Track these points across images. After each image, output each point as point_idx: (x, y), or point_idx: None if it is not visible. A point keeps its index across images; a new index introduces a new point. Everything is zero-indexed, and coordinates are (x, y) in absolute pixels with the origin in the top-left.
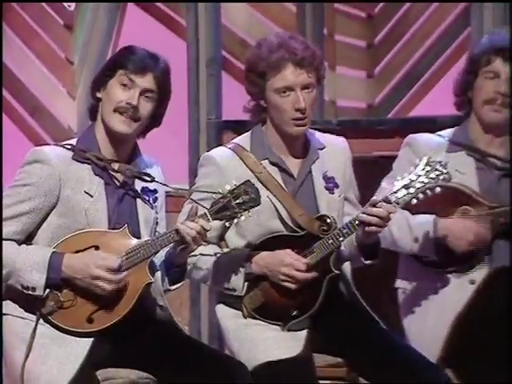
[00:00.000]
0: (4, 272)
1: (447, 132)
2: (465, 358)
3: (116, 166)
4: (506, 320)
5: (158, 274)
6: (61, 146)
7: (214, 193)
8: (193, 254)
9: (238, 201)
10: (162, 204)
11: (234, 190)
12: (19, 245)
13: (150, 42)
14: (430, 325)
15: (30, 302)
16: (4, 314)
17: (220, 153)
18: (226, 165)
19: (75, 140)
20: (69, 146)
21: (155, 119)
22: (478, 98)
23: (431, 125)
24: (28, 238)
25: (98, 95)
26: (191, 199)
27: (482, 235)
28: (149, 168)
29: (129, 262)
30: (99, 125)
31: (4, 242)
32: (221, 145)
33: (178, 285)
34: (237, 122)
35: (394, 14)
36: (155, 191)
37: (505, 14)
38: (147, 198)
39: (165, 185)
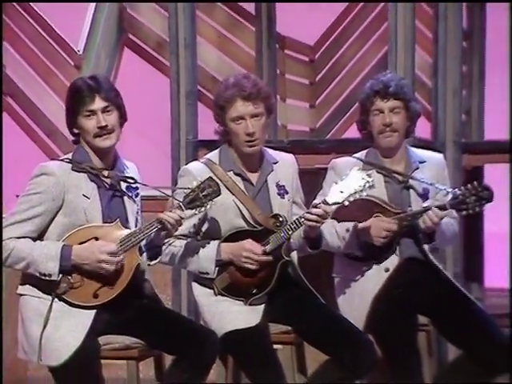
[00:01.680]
0: (24, 263)
1: (361, 154)
2: (381, 326)
3: (105, 172)
4: (412, 297)
5: (144, 254)
6: (61, 160)
7: (186, 188)
8: (174, 245)
9: (204, 193)
10: (139, 198)
11: (199, 185)
12: (34, 241)
13: (141, 78)
14: (356, 302)
15: (45, 285)
16: (21, 295)
17: (195, 166)
18: (199, 176)
19: (70, 155)
20: (67, 160)
21: (122, 118)
22: (373, 131)
23: (357, 144)
24: (41, 235)
25: (76, 131)
26: (171, 196)
27: (388, 232)
28: (128, 168)
29: (123, 248)
30: (85, 145)
31: (22, 239)
32: (196, 159)
33: (157, 260)
34: (209, 142)
35: (330, 59)
36: (136, 188)
37: (412, 62)
38: (131, 194)
39: (145, 185)
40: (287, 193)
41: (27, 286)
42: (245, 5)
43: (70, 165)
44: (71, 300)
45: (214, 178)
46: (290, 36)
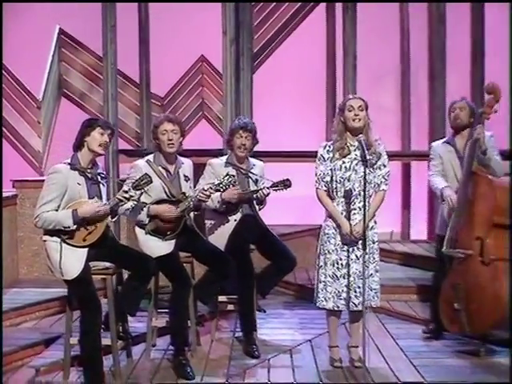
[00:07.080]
0: (53, 224)
1: (224, 157)
2: (233, 250)
3: (88, 170)
4: (247, 234)
5: None
6: (64, 163)
7: (133, 179)
8: (125, 207)
9: (142, 182)
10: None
11: (139, 177)
12: (56, 211)
13: (72, 115)
14: (219, 239)
15: (56, 235)
16: (45, 241)
17: (141, 162)
18: (144, 167)
19: (68, 160)
20: (67, 163)
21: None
22: (234, 147)
23: (205, 152)
24: (58, 207)
25: (86, 138)
26: (125, 183)
27: (239, 196)
28: (99, 167)
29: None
30: (84, 153)
31: (50, 212)
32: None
33: (115, 218)
34: (127, 150)
35: (171, 104)
36: (106, 179)
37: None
38: (103, 182)
39: (110, 176)
40: (189, 180)
41: (47, 235)
42: (132, 76)
43: (69, 166)
44: (71, 243)
45: (149, 172)
46: (152, 92)
